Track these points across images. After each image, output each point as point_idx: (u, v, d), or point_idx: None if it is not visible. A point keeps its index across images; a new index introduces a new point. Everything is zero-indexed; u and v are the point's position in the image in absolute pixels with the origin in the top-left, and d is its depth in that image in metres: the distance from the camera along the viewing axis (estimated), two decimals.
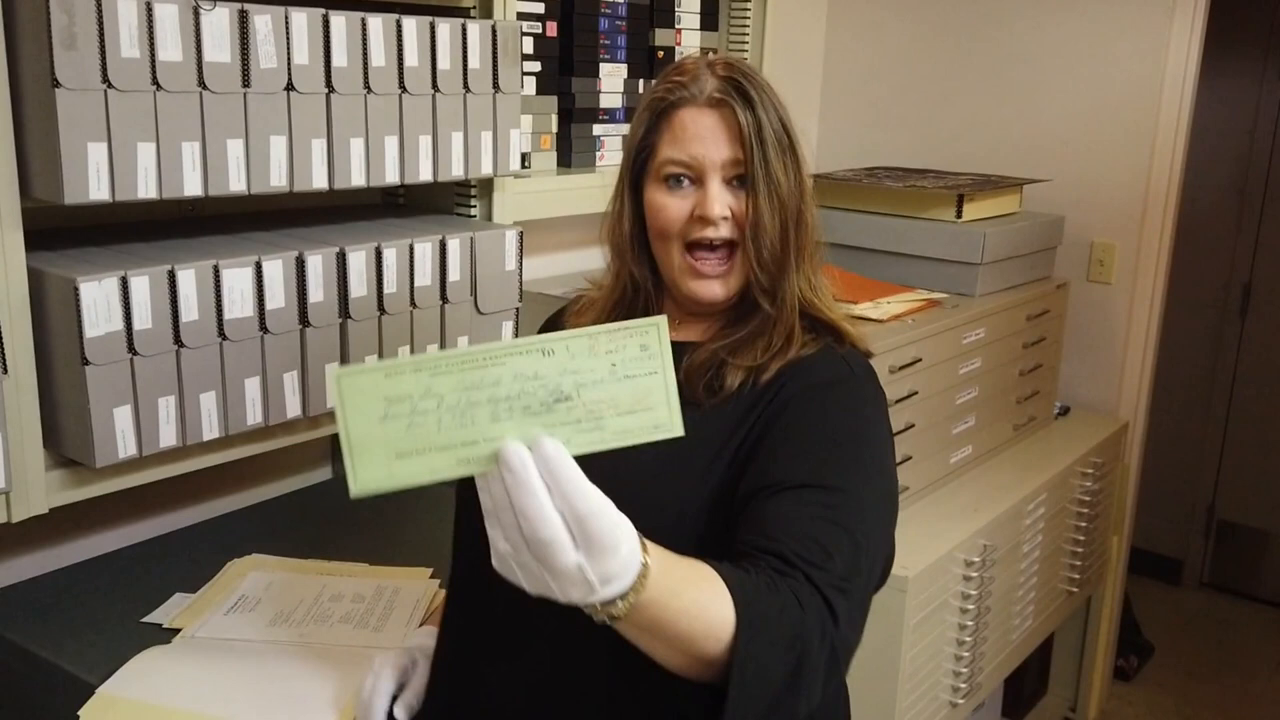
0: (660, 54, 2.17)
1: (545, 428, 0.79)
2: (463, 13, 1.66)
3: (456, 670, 1.09)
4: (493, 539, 0.79)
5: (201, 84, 1.24)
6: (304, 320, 1.39)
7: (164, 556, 1.48)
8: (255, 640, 1.27)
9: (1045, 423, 2.53)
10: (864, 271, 2.29)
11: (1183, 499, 3.71)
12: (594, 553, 0.76)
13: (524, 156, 1.92)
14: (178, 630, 1.28)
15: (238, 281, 1.32)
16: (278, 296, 1.36)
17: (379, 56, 1.41)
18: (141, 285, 1.23)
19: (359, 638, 1.29)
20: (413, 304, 1.52)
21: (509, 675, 1.04)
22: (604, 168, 2.09)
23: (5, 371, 1.15)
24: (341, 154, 1.40)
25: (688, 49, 2.22)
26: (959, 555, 1.93)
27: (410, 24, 1.44)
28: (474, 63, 1.54)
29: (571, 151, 2.03)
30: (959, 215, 2.26)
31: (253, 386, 1.36)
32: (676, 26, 2.21)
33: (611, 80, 2.08)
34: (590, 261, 2.18)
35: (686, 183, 1.10)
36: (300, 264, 1.37)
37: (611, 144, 2.10)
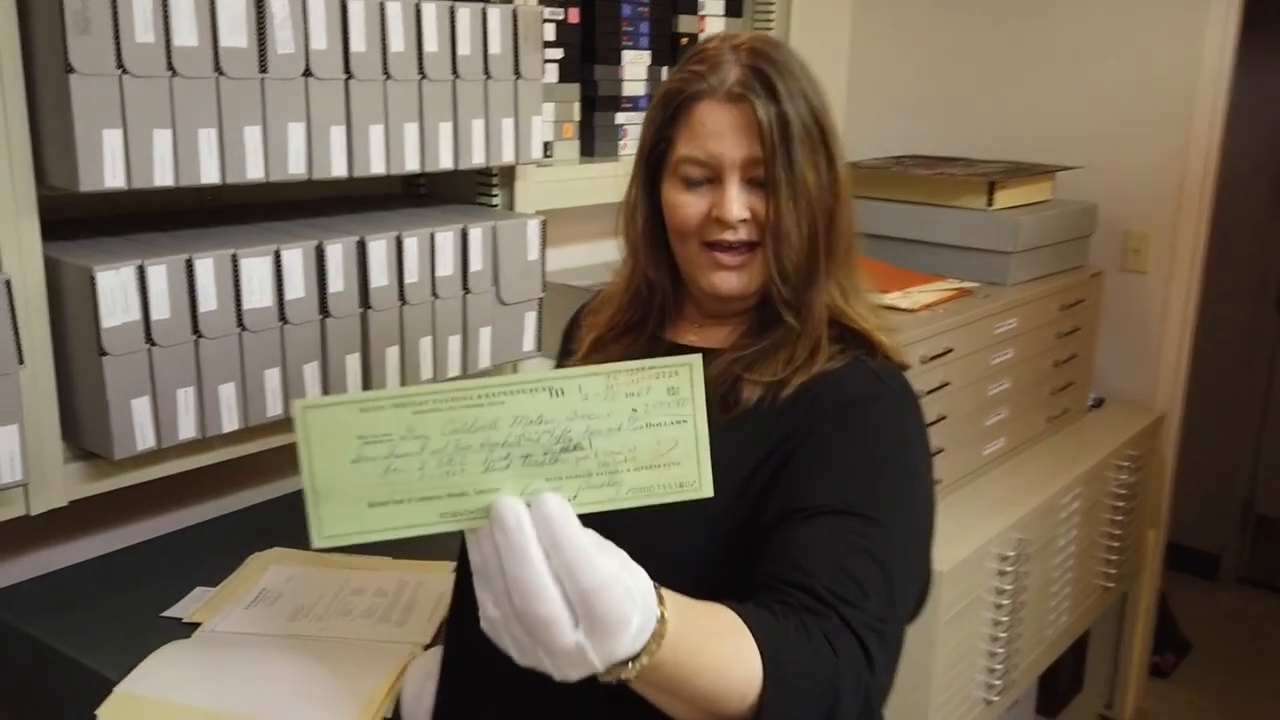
0: (684, 40, 2.14)
1: (549, 481, 0.69)
2: None
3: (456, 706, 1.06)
4: (481, 601, 0.68)
5: (218, 69, 1.21)
6: (324, 310, 1.37)
7: (184, 550, 1.46)
8: (276, 635, 1.25)
9: (1079, 415, 2.48)
10: (893, 261, 2.25)
11: (1220, 493, 3.64)
12: (598, 633, 0.65)
13: (546, 145, 1.89)
14: (198, 624, 1.26)
15: (256, 271, 1.30)
16: (297, 286, 1.34)
17: (398, 41, 1.39)
18: (159, 275, 1.21)
19: (381, 632, 1.27)
20: (434, 294, 1.49)
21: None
22: (627, 156, 2.05)
23: (21, 362, 1.13)
24: (361, 141, 1.38)
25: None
26: (993, 550, 1.89)
27: (430, 9, 1.41)
28: (494, 48, 1.51)
29: (594, 140, 2.01)
30: (990, 203, 2.21)
31: (273, 378, 1.34)
32: (700, 13, 2.18)
33: (634, 68, 2.05)
34: (614, 253, 2.15)
35: (704, 182, 1.02)
36: (320, 253, 1.35)
37: (635, 132, 2.07)
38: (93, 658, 1.15)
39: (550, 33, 1.86)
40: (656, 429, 0.70)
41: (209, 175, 1.24)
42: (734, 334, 1.08)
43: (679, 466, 0.71)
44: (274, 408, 1.35)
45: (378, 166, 1.41)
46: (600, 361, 1.14)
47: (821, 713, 0.76)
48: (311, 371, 1.38)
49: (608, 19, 1.99)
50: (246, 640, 1.23)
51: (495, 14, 1.50)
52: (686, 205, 1.03)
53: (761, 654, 0.74)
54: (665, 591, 0.71)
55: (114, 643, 1.18)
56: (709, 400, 0.98)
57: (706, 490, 0.72)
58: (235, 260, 1.27)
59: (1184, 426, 2.67)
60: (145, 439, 1.23)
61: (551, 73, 1.89)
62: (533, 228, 1.62)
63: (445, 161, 1.49)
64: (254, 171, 1.28)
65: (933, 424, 1.88)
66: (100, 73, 1.12)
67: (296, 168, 1.32)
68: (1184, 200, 2.47)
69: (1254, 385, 3.59)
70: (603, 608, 0.64)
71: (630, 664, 0.67)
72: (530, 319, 1.65)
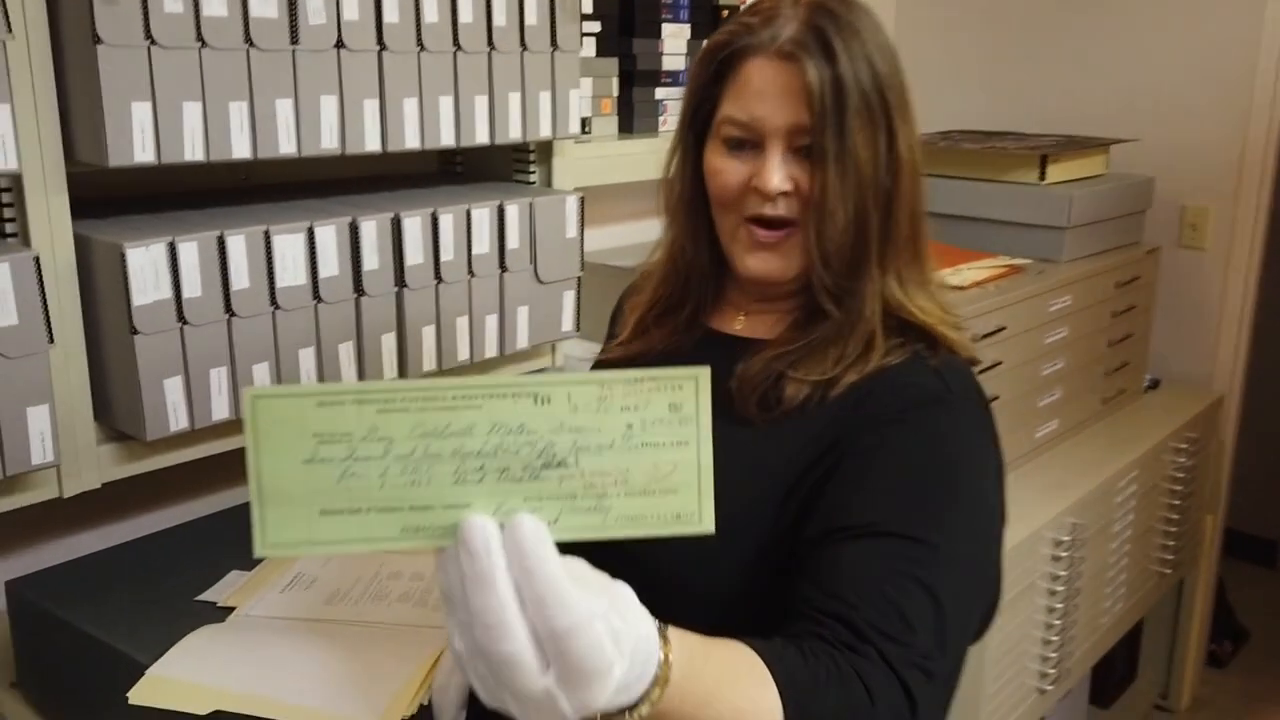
0: (725, 13, 2.08)
1: (527, 500, 0.61)
2: None
3: None
4: (449, 629, 0.61)
5: (248, 40, 1.18)
6: (359, 289, 1.34)
7: (219, 534, 1.44)
8: (311, 619, 1.22)
9: (1135, 396, 2.41)
10: (942, 238, 2.18)
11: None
12: (570, 680, 0.57)
13: (584, 121, 1.85)
14: (232, 609, 1.24)
15: (289, 248, 1.27)
16: (331, 264, 1.31)
17: (432, 12, 1.35)
18: (190, 251, 1.18)
19: (417, 616, 1.24)
20: (470, 272, 1.46)
21: None
22: (666, 133, 2.01)
23: (52, 341, 1.11)
24: (395, 115, 1.34)
25: None
26: (1047, 535, 1.83)
27: None
28: (531, 19, 1.47)
29: (633, 116, 1.96)
30: (1042, 177, 2.15)
31: (307, 357, 1.32)
32: None
33: (674, 41, 2.00)
34: (654, 232, 2.11)
35: (748, 147, 0.93)
36: (354, 230, 1.32)
37: (675, 108, 2.02)
38: (126, 642, 1.13)
39: (587, 4, 1.82)
40: (654, 450, 0.62)
41: (240, 150, 1.21)
42: (781, 324, 0.99)
43: (676, 495, 0.62)
44: None
45: (412, 141, 1.37)
46: (642, 349, 1.09)
47: None
48: (346, 351, 1.35)
49: None
50: (281, 625, 1.20)
51: None
52: (726, 171, 0.94)
53: (784, 701, 0.67)
54: (674, 631, 0.64)
55: (147, 627, 1.16)
56: (749, 401, 0.92)
57: (707, 525, 0.63)
58: (268, 237, 1.24)
59: (1243, 408, 2.59)
60: (178, 420, 1.21)
61: (589, 46, 1.84)
62: (571, 204, 1.58)
63: (481, 136, 1.45)
64: (286, 146, 1.25)
65: None
66: (128, 44, 1.09)
67: (329, 142, 1.29)
68: (1244, 174, 2.38)
69: None
70: (577, 652, 0.56)
71: (628, 714, 0.60)
72: (569, 298, 1.61)
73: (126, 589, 1.25)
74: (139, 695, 1.02)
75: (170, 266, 1.16)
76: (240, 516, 1.50)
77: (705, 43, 0.99)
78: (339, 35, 1.26)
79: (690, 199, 1.00)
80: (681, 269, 1.03)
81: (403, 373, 1.43)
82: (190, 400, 1.21)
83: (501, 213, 1.48)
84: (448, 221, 1.41)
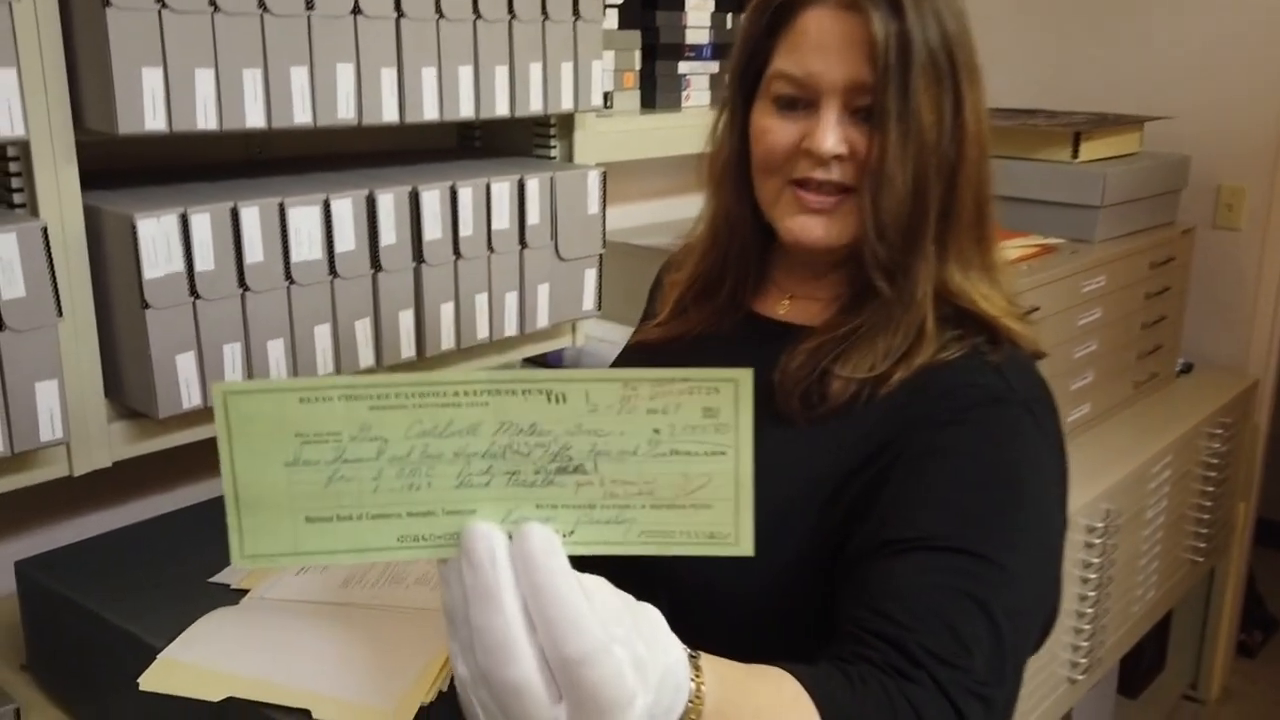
0: None
1: (539, 508, 0.55)
2: None
3: None
4: (450, 653, 0.56)
5: (262, 6, 1.14)
6: (375, 264, 1.30)
7: None
8: (327, 602, 1.19)
9: (1168, 380, 2.35)
10: None
11: None
12: (585, 714, 0.51)
13: (606, 95, 1.81)
14: (246, 591, 1.21)
15: (305, 222, 1.23)
16: (347, 238, 1.27)
17: None
18: (203, 223, 1.15)
19: (435, 600, 1.21)
20: (490, 248, 1.42)
21: None
22: (690, 108, 1.96)
23: (60, 315, 1.08)
24: (413, 85, 1.30)
25: None
26: (1080, 520, 1.78)
27: None
28: None
29: (656, 90, 1.91)
30: (1075, 155, 2.09)
31: (323, 334, 1.28)
32: None
33: (698, 14, 1.95)
34: (677, 211, 2.07)
35: (800, 106, 0.86)
36: (371, 203, 1.28)
37: (698, 83, 1.97)
38: (137, 624, 1.11)
39: None
40: (685, 459, 0.55)
41: (254, 119, 1.17)
42: (828, 310, 0.92)
43: (709, 511, 0.56)
44: (325, 366, 1.28)
45: (431, 112, 1.33)
46: (680, 330, 1.03)
47: None
48: (363, 328, 1.32)
49: None
50: (296, 608, 1.17)
51: None
52: (774, 131, 0.87)
53: None
54: (707, 659, 0.58)
55: (159, 609, 1.13)
56: (790, 399, 0.85)
57: (745, 547, 0.57)
58: (282, 209, 1.21)
59: (1278, 393, 2.53)
60: (191, 397, 1.18)
61: (611, 18, 1.80)
62: (593, 179, 1.53)
63: (501, 108, 1.41)
64: (301, 116, 1.21)
65: None
66: (138, 7, 1.05)
67: (345, 112, 1.25)
68: None
69: None
70: (592, 681, 0.50)
71: None
72: (590, 276, 1.57)
73: (138, 570, 1.22)
74: (150, 681, 0.99)
75: (182, 239, 1.13)
76: None
77: None
78: (355, 1, 1.22)
79: (736, 165, 0.93)
80: (723, 243, 0.97)
81: (421, 351, 1.39)
82: (203, 377, 1.18)
83: (522, 187, 1.44)
84: (467, 195, 1.38)
